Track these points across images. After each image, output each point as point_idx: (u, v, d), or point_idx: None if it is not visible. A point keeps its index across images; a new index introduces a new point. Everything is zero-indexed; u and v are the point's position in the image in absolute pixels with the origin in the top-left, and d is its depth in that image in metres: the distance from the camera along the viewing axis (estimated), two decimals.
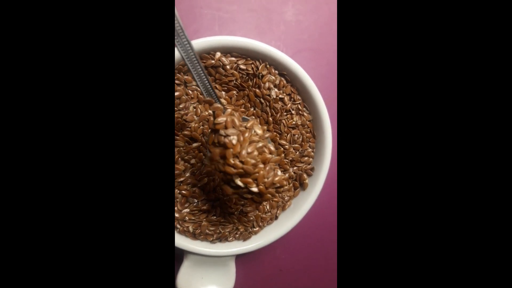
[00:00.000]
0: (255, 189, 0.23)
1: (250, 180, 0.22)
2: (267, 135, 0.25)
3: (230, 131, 0.22)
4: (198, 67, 0.24)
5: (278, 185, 0.23)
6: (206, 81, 0.25)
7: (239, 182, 0.23)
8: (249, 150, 0.22)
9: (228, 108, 0.24)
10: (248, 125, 0.23)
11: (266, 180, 0.23)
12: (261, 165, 0.23)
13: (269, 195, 0.24)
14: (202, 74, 0.24)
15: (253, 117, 0.29)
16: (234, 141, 0.22)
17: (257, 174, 0.22)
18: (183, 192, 0.28)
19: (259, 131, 0.24)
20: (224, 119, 0.23)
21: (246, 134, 0.23)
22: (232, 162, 0.22)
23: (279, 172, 0.24)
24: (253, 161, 0.22)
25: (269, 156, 0.23)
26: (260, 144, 0.23)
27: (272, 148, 0.24)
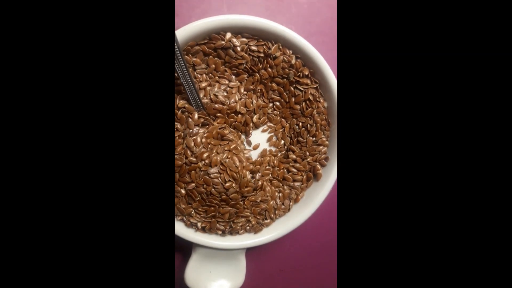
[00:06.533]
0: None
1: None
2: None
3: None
4: (187, 74, 0.24)
5: None
6: (195, 93, 0.24)
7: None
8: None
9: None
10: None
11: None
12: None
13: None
14: (191, 84, 0.24)
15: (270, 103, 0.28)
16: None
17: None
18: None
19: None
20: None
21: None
22: None
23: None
24: None
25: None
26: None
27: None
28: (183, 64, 0.23)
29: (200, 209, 0.26)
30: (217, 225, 0.27)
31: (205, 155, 0.25)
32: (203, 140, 0.25)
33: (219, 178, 0.25)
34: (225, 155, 0.26)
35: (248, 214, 0.27)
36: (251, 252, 0.32)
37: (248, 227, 0.28)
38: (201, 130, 0.26)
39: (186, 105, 0.25)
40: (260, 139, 0.29)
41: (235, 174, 0.25)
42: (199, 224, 0.27)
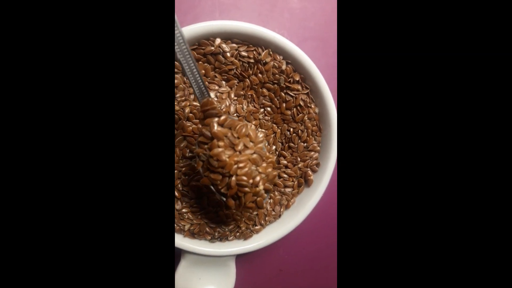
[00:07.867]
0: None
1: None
2: (261, 140, 0.24)
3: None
4: (190, 61, 0.22)
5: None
6: (198, 78, 0.23)
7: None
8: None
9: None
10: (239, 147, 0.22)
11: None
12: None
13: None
14: (194, 70, 0.23)
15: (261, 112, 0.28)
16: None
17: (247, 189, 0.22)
18: (179, 187, 0.27)
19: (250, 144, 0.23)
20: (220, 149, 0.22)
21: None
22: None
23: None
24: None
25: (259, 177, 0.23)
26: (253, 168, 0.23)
27: (267, 154, 0.24)
28: (185, 48, 0.22)
29: (194, 207, 0.26)
30: (206, 228, 0.27)
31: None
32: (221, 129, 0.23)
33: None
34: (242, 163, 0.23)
35: (238, 217, 0.27)
36: (245, 256, 0.32)
37: (237, 233, 0.28)
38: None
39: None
40: None
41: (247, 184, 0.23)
42: (186, 227, 0.27)
